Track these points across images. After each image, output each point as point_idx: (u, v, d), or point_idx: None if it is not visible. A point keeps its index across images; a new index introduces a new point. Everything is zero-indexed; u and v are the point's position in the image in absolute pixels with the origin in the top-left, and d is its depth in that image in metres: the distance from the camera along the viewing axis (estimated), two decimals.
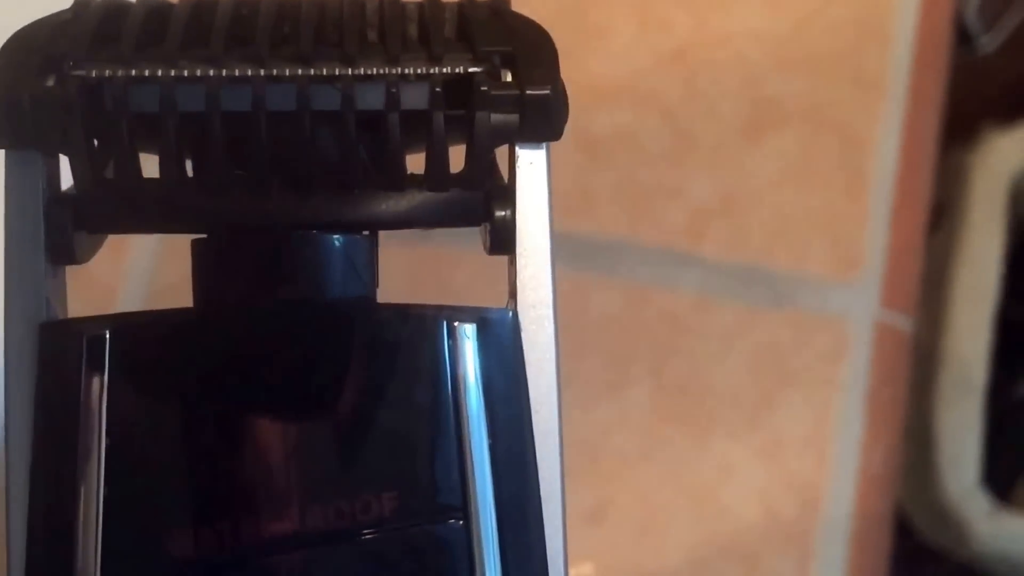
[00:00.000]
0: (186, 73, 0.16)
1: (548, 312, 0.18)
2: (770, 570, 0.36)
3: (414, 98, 0.17)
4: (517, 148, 0.17)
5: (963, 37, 0.52)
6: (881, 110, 0.39)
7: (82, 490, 0.16)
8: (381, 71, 0.17)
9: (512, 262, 0.18)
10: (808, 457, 0.36)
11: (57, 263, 0.17)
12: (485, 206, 0.18)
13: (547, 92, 0.17)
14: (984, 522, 0.44)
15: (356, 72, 0.17)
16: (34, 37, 0.17)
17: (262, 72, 0.17)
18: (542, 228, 0.18)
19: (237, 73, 0.17)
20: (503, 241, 0.18)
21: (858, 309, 0.37)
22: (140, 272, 0.36)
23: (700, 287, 0.37)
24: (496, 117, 0.17)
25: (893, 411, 0.37)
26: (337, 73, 0.17)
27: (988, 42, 0.53)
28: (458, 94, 0.17)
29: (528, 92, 0.17)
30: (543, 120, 0.17)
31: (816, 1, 0.40)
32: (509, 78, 0.17)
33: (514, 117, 0.17)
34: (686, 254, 0.38)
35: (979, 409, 0.46)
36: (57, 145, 0.17)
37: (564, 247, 0.37)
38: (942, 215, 0.50)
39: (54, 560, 0.17)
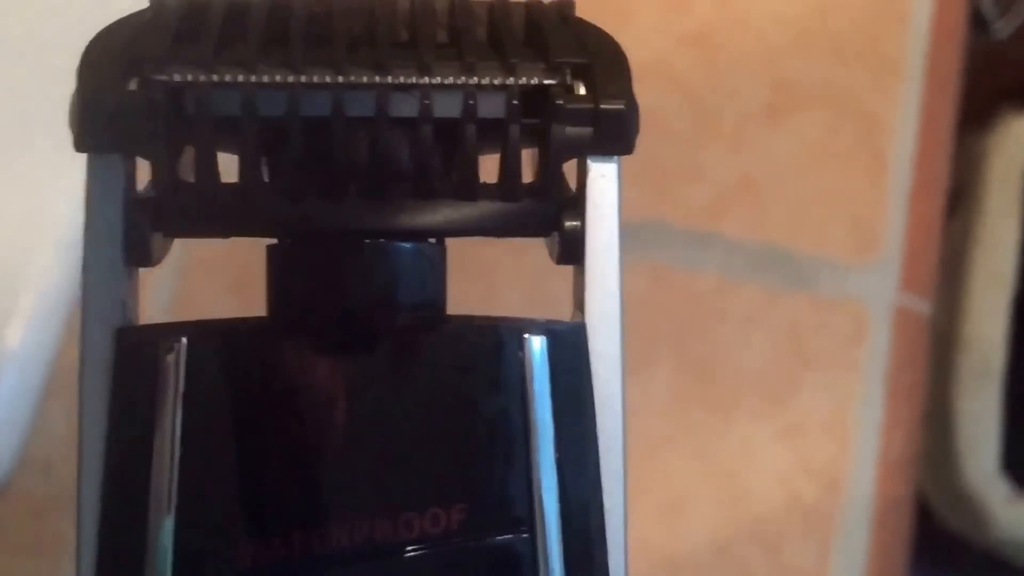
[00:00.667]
0: (266, 79, 0.17)
1: (615, 325, 0.18)
2: (792, 552, 0.36)
3: (491, 108, 0.17)
4: (589, 160, 0.18)
5: (979, 22, 0.52)
6: (899, 93, 0.39)
7: (155, 496, 0.17)
8: (458, 81, 0.17)
9: (580, 273, 0.18)
10: (829, 440, 0.36)
11: (134, 265, 0.17)
12: (556, 217, 0.18)
13: (621, 107, 0.17)
14: (1004, 508, 0.44)
15: (434, 81, 0.17)
16: (115, 39, 0.17)
17: (340, 79, 0.17)
18: (611, 240, 0.18)
19: (316, 80, 0.17)
20: (573, 252, 0.18)
21: (877, 292, 0.38)
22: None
23: (722, 268, 0.38)
24: (570, 130, 0.17)
25: (912, 394, 0.38)
26: (415, 82, 0.17)
27: (1003, 27, 0.53)
28: (533, 104, 0.17)
29: (602, 106, 0.17)
30: (616, 134, 0.17)
31: None
32: (583, 90, 0.17)
33: (588, 130, 0.17)
34: (708, 235, 0.38)
35: (998, 394, 0.46)
36: (139, 148, 0.17)
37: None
38: (959, 200, 0.50)
39: (125, 567, 0.17)
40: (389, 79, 0.17)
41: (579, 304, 0.18)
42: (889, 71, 0.39)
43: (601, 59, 0.18)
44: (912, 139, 0.39)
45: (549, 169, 0.17)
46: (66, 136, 0.40)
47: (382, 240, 0.18)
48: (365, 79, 0.17)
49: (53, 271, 0.36)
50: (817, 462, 0.36)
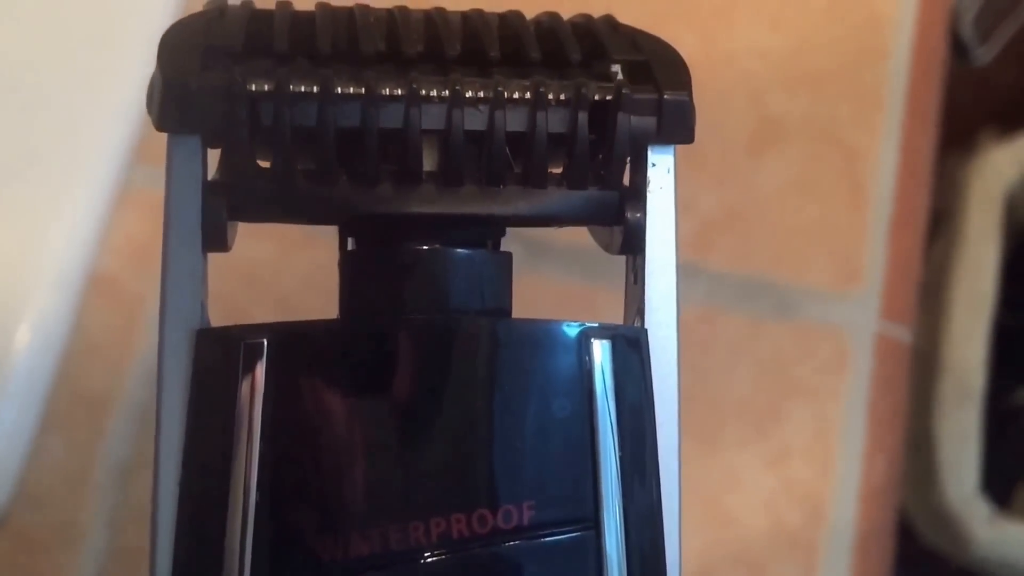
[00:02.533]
0: (340, 90, 0.17)
1: (673, 333, 0.19)
2: None
3: (558, 111, 0.18)
4: (649, 151, 0.19)
5: (959, 49, 0.54)
6: (880, 126, 0.41)
7: (234, 497, 0.17)
8: (526, 94, 0.18)
9: (638, 281, 0.19)
10: (812, 467, 0.38)
11: (211, 249, 0.18)
12: (620, 206, 0.19)
13: (685, 97, 0.18)
14: (984, 528, 0.46)
15: (503, 93, 0.18)
16: (191, 30, 0.18)
17: (413, 90, 0.17)
18: (669, 230, 0.19)
19: (389, 92, 0.17)
20: (634, 242, 0.19)
21: (859, 321, 0.39)
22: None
23: (707, 298, 0.39)
24: (636, 119, 0.18)
25: (894, 421, 0.39)
26: (484, 96, 0.18)
27: (984, 54, 0.55)
28: (598, 99, 0.18)
29: (666, 96, 0.18)
30: (680, 123, 0.18)
31: (816, 19, 0.42)
32: (644, 84, 0.18)
33: (652, 120, 0.18)
34: (694, 266, 0.39)
35: (978, 416, 0.48)
36: (219, 131, 0.17)
37: (574, 259, 0.39)
38: (940, 224, 0.52)
39: (202, 568, 0.17)
40: (462, 93, 0.18)
41: (641, 311, 0.19)
42: (870, 105, 0.41)
43: (657, 56, 0.19)
44: (892, 171, 0.40)
45: (614, 158, 0.18)
46: (61, 170, 0.40)
47: (449, 248, 0.19)
48: (437, 93, 0.18)
49: (50, 305, 0.36)
50: (800, 488, 0.38)
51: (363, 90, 0.17)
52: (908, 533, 0.50)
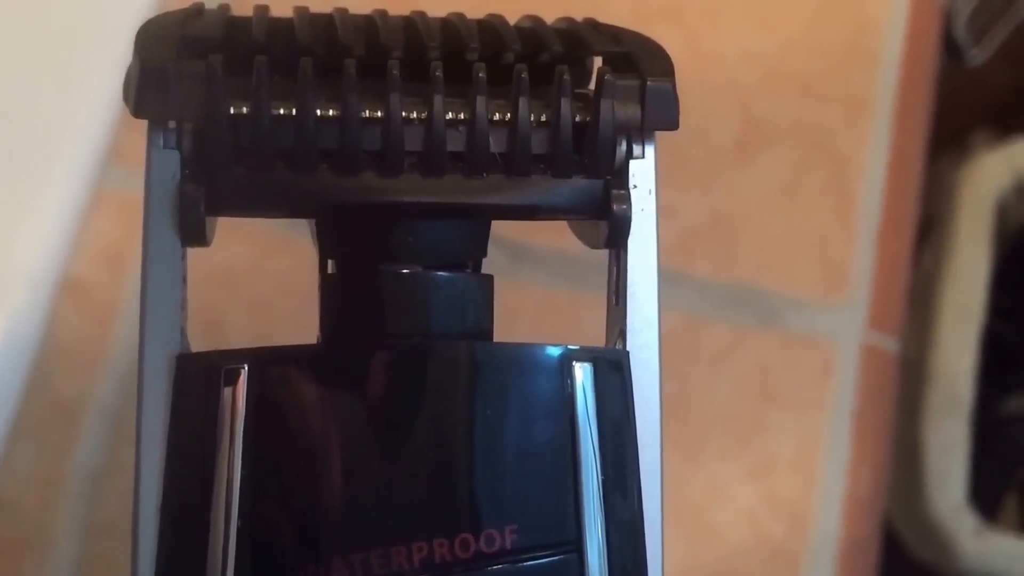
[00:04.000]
0: (321, 113, 0.18)
1: (655, 354, 0.19)
2: None
3: (541, 91, 0.18)
4: (630, 163, 0.19)
5: (953, 50, 0.54)
6: (869, 131, 0.41)
7: (215, 521, 0.17)
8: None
9: (622, 260, 0.19)
10: (796, 479, 0.38)
11: (189, 243, 0.18)
12: (604, 198, 0.19)
13: (668, 84, 0.19)
14: (970, 540, 0.46)
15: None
16: (168, 23, 0.18)
17: (394, 111, 0.18)
18: (651, 224, 0.19)
19: (369, 114, 0.18)
20: (619, 234, 0.19)
21: (845, 330, 0.39)
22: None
23: (691, 307, 0.39)
24: (619, 107, 0.18)
25: (879, 433, 0.39)
26: (463, 117, 0.18)
27: (977, 55, 0.55)
28: (580, 85, 0.19)
29: (650, 83, 0.18)
30: (663, 109, 0.19)
31: (805, 22, 0.42)
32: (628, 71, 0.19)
33: (636, 107, 0.18)
34: (677, 273, 0.39)
35: (966, 427, 0.48)
36: (197, 117, 0.18)
37: (556, 265, 0.39)
38: (930, 230, 0.52)
39: None
40: (445, 115, 0.18)
41: (622, 334, 0.19)
42: (859, 109, 0.41)
43: (639, 47, 0.19)
44: (881, 178, 0.41)
45: (598, 145, 0.18)
46: (33, 172, 0.40)
47: (428, 272, 0.19)
48: (416, 115, 0.18)
49: (21, 308, 0.36)
50: (784, 500, 0.38)
51: (344, 83, 0.18)
52: (894, 544, 0.50)
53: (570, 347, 0.19)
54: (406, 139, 0.18)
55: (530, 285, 0.38)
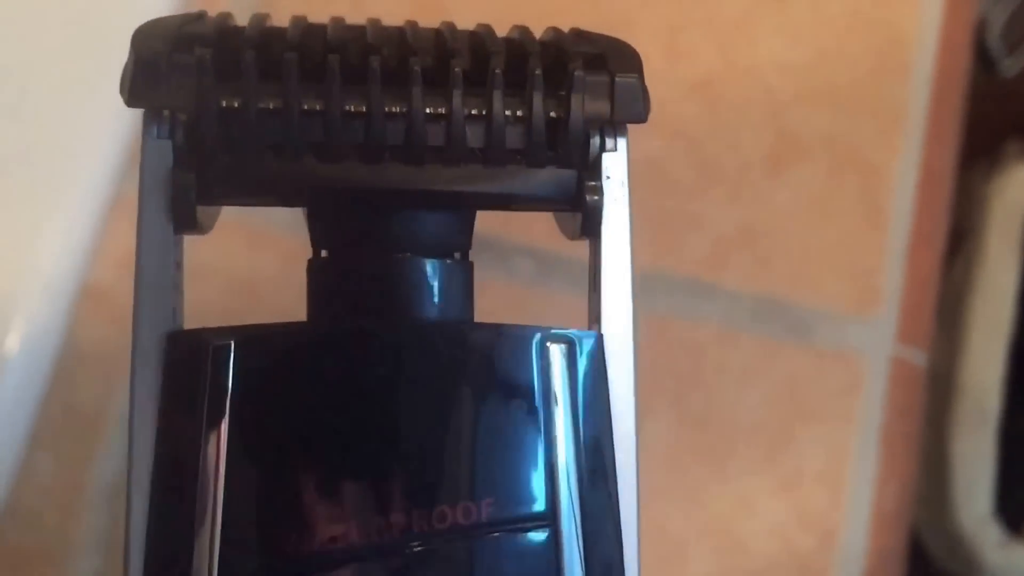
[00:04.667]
0: (306, 106, 0.19)
1: (628, 337, 0.20)
2: None
3: (515, 87, 0.19)
4: (604, 156, 0.20)
5: (985, 60, 0.54)
6: (900, 144, 0.41)
7: (202, 495, 0.18)
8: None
9: (597, 249, 0.20)
10: (824, 492, 0.38)
11: (181, 230, 0.19)
12: (579, 186, 0.20)
13: (635, 79, 0.20)
14: (996, 552, 0.47)
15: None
16: (165, 23, 0.20)
17: (376, 107, 0.19)
18: (623, 213, 0.20)
19: (353, 109, 0.19)
20: (592, 224, 0.20)
21: (874, 344, 0.40)
22: None
23: (721, 319, 0.39)
24: (589, 101, 0.20)
25: (907, 447, 0.40)
26: (442, 112, 0.19)
27: (1011, 65, 0.55)
28: (553, 82, 0.20)
29: (618, 78, 0.20)
30: (630, 102, 0.20)
31: (838, 35, 0.42)
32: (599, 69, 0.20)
33: (605, 102, 0.20)
34: (708, 285, 0.40)
35: (993, 439, 0.48)
36: (189, 106, 0.19)
37: (585, 274, 0.39)
38: (961, 242, 0.52)
39: (172, 562, 0.18)
40: (424, 111, 0.19)
41: (597, 317, 0.20)
42: (891, 122, 0.41)
43: (612, 49, 0.20)
44: (912, 191, 0.41)
45: (569, 137, 0.20)
46: (54, 179, 0.41)
47: (412, 257, 0.20)
48: (398, 109, 0.19)
49: (41, 315, 0.36)
50: (812, 514, 0.38)
51: (329, 79, 0.19)
52: (921, 556, 0.50)
53: (546, 329, 0.20)
54: (389, 131, 0.19)
55: (557, 294, 0.39)
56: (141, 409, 0.19)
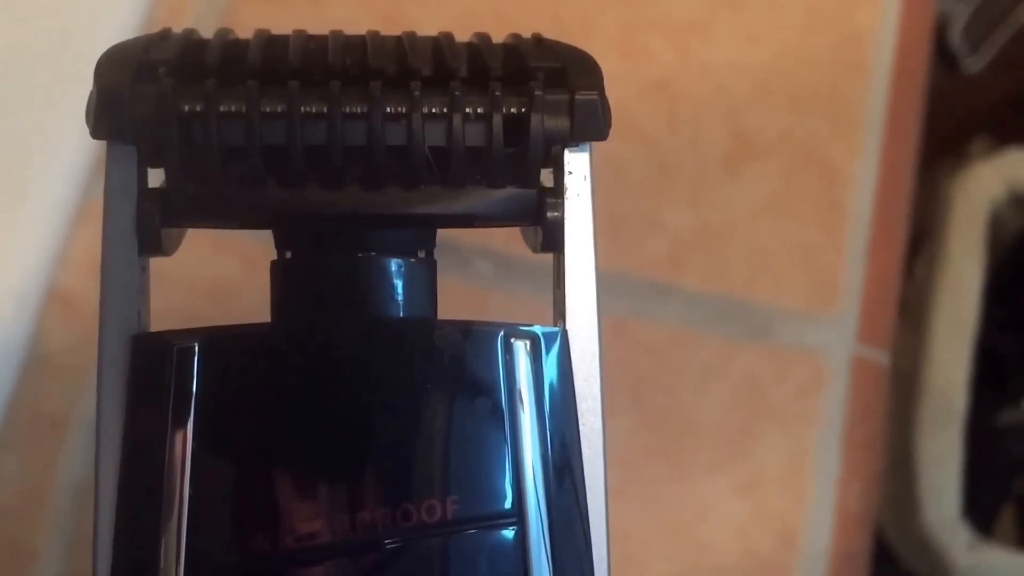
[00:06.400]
0: (268, 109, 0.19)
1: (593, 333, 0.21)
2: None
3: (475, 118, 0.20)
4: (565, 152, 0.20)
5: (949, 58, 0.55)
6: (859, 143, 0.42)
7: (168, 494, 0.19)
8: (444, 91, 0.20)
9: (560, 264, 0.21)
10: (786, 493, 0.39)
11: (147, 254, 0.20)
12: (539, 205, 0.20)
13: (595, 97, 0.20)
14: (964, 554, 0.47)
15: (420, 99, 0.20)
16: (128, 49, 0.20)
17: (337, 108, 0.19)
18: (587, 227, 0.21)
19: (315, 110, 0.19)
20: (554, 240, 0.21)
21: (835, 343, 0.40)
22: None
23: (680, 320, 0.40)
24: (549, 120, 0.20)
25: (870, 447, 0.40)
26: (403, 109, 0.19)
27: (974, 63, 0.56)
28: (513, 104, 0.20)
29: (577, 97, 0.20)
30: (591, 122, 0.20)
31: (794, 33, 0.43)
32: (559, 86, 0.20)
33: (565, 120, 0.20)
34: (667, 286, 0.40)
35: (959, 439, 0.49)
36: (152, 136, 0.19)
37: (545, 277, 0.40)
38: (925, 240, 0.53)
39: (140, 564, 0.19)
40: (383, 110, 0.19)
41: (561, 313, 0.21)
42: (849, 121, 0.42)
43: (573, 63, 0.21)
44: (871, 190, 0.41)
45: (530, 158, 0.20)
46: (19, 183, 0.41)
47: (374, 256, 0.20)
48: (360, 110, 0.19)
49: (7, 320, 0.37)
50: (774, 515, 0.39)
51: (288, 102, 0.19)
52: (888, 558, 0.51)
53: (509, 325, 0.20)
54: (349, 156, 0.19)
55: (517, 295, 0.39)
56: (107, 412, 0.19)
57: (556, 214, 0.20)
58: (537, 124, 0.20)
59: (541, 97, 0.20)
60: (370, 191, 0.20)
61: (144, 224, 0.19)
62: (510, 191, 0.20)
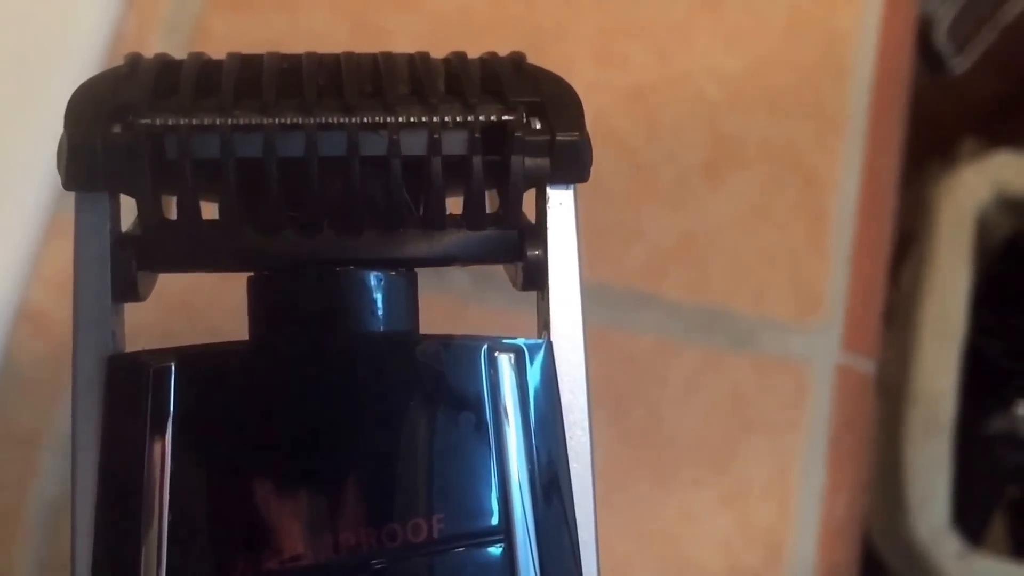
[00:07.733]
0: (243, 121, 0.19)
1: (579, 343, 0.20)
2: None
3: (454, 144, 0.20)
4: (548, 190, 0.20)
5: (934, 59, 0.55)
6: (841, 149, 0.42)
7: (146, 513, 0.19)
8: (423, 119, 0.19)
9: (544, 298, 0.20)
10: (770, 505, 0.39)
11: (121, 300, 0.20)
12: (519, 245, 0.20)
13: (576, 137, 0.20)
14: (953, 564, 0.47)
15: (400, 119, 0.19)
16: (98, 89, 0.20)
17: (313, 120, 0.19)
18: (571, 264, 0.20)
19: (290, 121, 0.19)
20: (536, 278, 0.20)
21: (819, 352, 0.40)
22: None
23: (661, 329, 0.40)
24: (529, 161, 0.20)
25: (856, 457, 0.40)
26: (383, 121, 0.19)
27: (959, 64, 0.56)
28: (492, 140, 0.20)
29: (558, 138, 0.20)
30: (572, 163, 0.20)
31: (774, 38, 0.43)
32: (539, 125, 0.20)
33: (546, 161, 0.20)
34: (648, 296, 0.40)
35: (948, 447, 0.49)
36: (124, 186, 0.19)
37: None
38: (911, 245, 0.53)
39: None
40: (360, 119, 0.19)
41: (546, 325, 0.20)
42: (831, 127, 0.42)
43: (554, 98, 0.20)
44: (855, 196, 0.41)
45: (510, 199, 0.20)
46: None
47: (354, 270, 0.20)
48: (336, 120, 0.19)
49: None
50: (759, 527, 0.39)
51: (264, 141, 0.19)
52: (878, 568, 0.51)
53: (493, 338, 0.20)
54: (327, 194, 0.19)
55: (493, 307, 0.39)
56: (83, 433, 0.19)
57: (537, 252, 0.20)
58: (518, 166, 0.20)
59: (521, 139, 0.20)
60: (349, 234, 0.20)
61: (119, 272, 0.19)
62: (491, 232, 0.20)
